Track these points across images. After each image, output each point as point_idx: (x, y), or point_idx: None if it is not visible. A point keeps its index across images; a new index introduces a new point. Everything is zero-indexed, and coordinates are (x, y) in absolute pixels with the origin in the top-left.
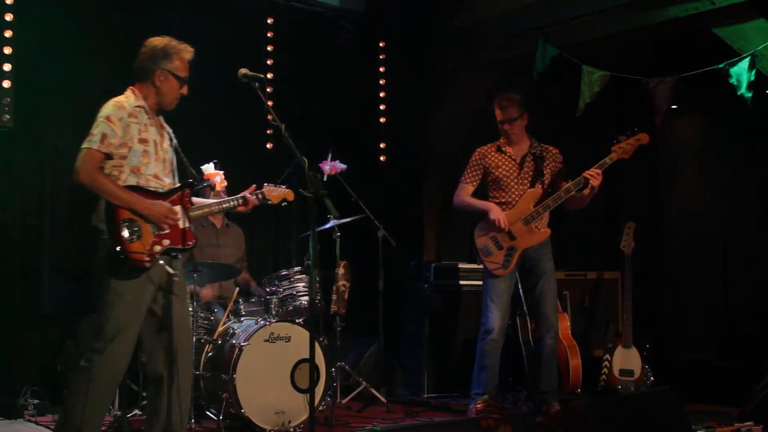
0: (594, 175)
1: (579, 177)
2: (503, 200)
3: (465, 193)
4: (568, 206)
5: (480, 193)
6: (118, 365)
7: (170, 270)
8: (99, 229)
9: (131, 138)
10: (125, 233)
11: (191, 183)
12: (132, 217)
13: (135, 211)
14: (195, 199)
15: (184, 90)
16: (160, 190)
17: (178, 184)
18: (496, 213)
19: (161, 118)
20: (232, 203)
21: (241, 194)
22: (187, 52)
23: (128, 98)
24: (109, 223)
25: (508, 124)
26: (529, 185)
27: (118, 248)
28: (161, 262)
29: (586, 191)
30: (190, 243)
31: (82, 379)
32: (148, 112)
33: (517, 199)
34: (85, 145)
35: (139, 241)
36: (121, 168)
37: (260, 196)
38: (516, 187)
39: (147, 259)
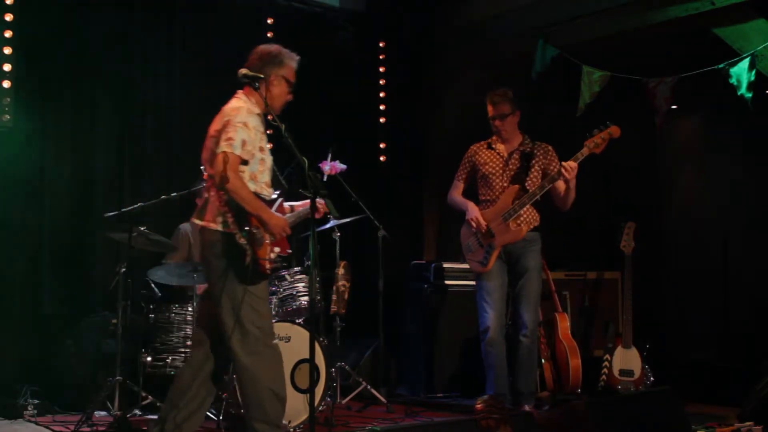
0: (567, 169)
1: (553, 173)
2: (489, 197)
3: (456, 191)
4: (555, 204)
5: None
6: (279, 357)
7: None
8: (222, 232)
9: (255, 146)
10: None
11: (283, 193)
12: (257, 224)
13: (261, 219)
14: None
15: (290, 96)
16: (267, 199)
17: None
18: (472, 212)
19: None
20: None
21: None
22: (294, 60)
23: (248, 104)
24: (243, 229)
25: (499, 121)
26: (511, 182)
27: (249, 250)
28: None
29: (563, 186)
30: (290, 250)
31: (259, 384)
32: (261, 119)
33: (501, 196)
34: (227, 149)
35: (262, 248)
36: (243, 174)
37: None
38: (500, 184)
39: (269, 266)
